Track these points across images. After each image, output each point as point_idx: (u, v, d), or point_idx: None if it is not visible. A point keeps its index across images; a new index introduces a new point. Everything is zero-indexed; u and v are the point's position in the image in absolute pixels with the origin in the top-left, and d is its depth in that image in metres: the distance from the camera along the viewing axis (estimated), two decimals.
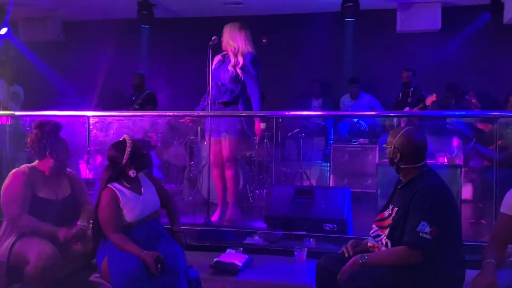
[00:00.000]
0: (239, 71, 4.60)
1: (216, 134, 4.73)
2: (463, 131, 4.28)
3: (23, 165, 3.31)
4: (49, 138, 3.27)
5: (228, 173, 4.78)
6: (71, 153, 3.40)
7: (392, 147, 2.74)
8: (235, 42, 4.66)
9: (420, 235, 2.49)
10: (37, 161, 3.33)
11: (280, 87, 7.94)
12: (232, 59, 4.63)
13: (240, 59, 4.61)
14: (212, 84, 4.65)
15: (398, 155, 2.72)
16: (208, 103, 4.68)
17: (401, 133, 2.74)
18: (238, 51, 4.65)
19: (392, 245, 2.64)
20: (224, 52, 4.77)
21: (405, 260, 2.54)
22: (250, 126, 4.76)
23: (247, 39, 4.69)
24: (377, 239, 2.76)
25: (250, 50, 4.67)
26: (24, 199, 3.15)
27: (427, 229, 2.48)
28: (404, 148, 2.71)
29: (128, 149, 3.13)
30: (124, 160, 3.12)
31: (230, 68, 4.63)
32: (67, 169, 3.48)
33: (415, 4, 7.43)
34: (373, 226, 2.83)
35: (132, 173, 3.16)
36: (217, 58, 4.78)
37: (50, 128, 3.30)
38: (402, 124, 5.63)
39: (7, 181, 3.21)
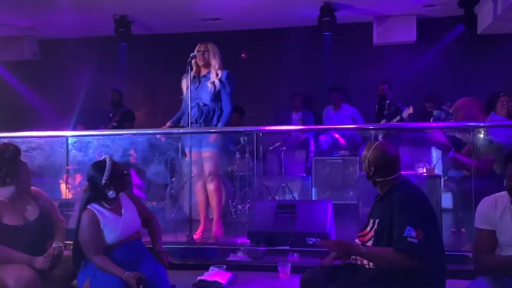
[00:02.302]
0: (218, 85, 4.71)
1: (196, 148, 4.78)
2: (441, 141, 4.33)
3: None
4: (9, 165, 3.13)
5: (211, 187, 4.80)
6: (32, 174, 3.28)
7: (367, 161, 2.78)
8: (218, 59, 4.81)
9: (408, 240, 2.51)
10: None
11: (260, 101, 7.98)
12: (213, 75, 4.75)
13: (220, 74, 4.77)
14: (193, 105, 4.71)
15: (372, 168, 2.76)
16: (190, 121, 4.71)
17: (373, 147, 2.79)
18: (218, 68, 4.79)
19: None
20: (193, 72, 4.83)
21: (399, 265, 2.54)
22: (231, 141, 4.83)
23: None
24: None
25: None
26: None
27: (413, 233, 2.51)
28: (377, 162, 2.75)
29: (108, 170, 3.08)
30: (104, 181, 3.08)
31: (209, 84, 4.71)
32: (32, 188, 3.32)
33: (390, 17, 7.55)
34: (356, 240, 2.84)
35: (111, 194, 3.10)
36: (187, 78, 4.82)
37: (9, 155, 3.15)
38: (380, 136, 5.69)
39: None
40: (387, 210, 2.65)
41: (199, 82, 4.83)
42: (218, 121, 4.77)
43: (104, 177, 3.07)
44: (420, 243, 2.51)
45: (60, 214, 3.42)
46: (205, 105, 4.75)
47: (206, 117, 4.74)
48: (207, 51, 4.81)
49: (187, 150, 4.87)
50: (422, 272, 2.55)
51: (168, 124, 4.93)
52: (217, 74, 4.77)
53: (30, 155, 3.62)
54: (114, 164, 3.14)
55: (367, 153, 2.79)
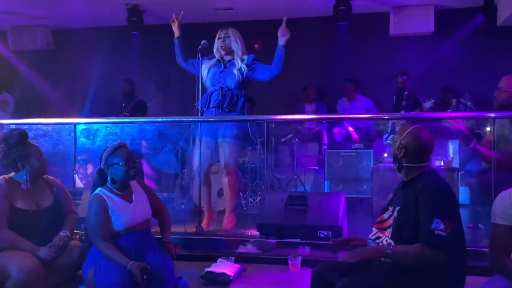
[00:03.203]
0: (246, 71, 4.62)
1: (210, 138, 4.66)
2: (463, 130, 4.18)
3: (0, 177, 3.19)
4: (17, 150, 3.16)
5: (228, 179, 4.70)
6: (46, 160, 3.28)
7: (398, 143, 2.67)
8: (240, 44, 4.70)
9: (436, 232, 2.39)
10: (13, 172, 3.23)
11: (273, 92, 7.85)
12: (238, 62, 4.65)
13: (245, 58, 4.67)
14: (215, 88, 4.62)
15: (403, 151, 2.64)
16: (204, 106, 4.64)
17: (408, 130, 2.68)
18: (241, 53, 4.70)
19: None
20: (216, 57, 4.70)
21: (426, 260, 2.42)
22: (255, 131, 4.76)
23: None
24: (377, 241, 2.66)
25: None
26: (3, 212, 3.03)
27: (441, 226, 2.39)
28: (410, 146, 2.64)
29: (108, 151, 3.10)
30: (103, 164, 3.11)
31: (235, 71, 4.62)
32: (49, 177, 3.36)
33: (408, 7, 7.39)
34: (373, 228, 2.74)
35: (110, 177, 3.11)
36: (210, 62, 4.70)
37: (15, 140, 3.17)
38: (397, 128, 5.55)
39: None
40: (411, 198, 2.53)
41: (225, 66, 4.70)
42: (242, 109, 4.65)
43: (103, 159, 3.10)
44: (448, 236, 2.39)
45: (74, 206, 3.44)
46: (229, 89, 4.63)
47: (230, 101, 4.60)
48: (228, 37, 4.69)
49: (197, 139, 4.75)
50: (444, 267, 2.44)
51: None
52: (242, 60, 4.65)
53: (37, 142, 3.58)
54: (123, 149, 3.15)
55: (399, 136, 2.68)
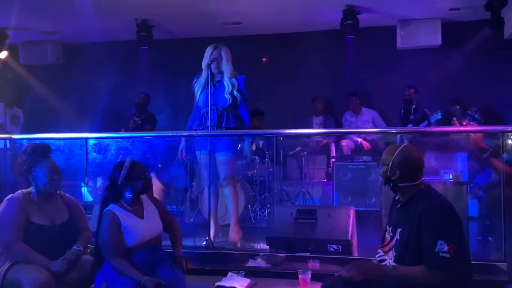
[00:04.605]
0: (236, 93, 4.67)
1: (205, 152, 4.74)
2: (478, 140, 4.17)
3: (18, 191, 3.22)
4: (29, 162, 3.18)
5: (227, 191, 4.74)
6: (57, 179, 3.22)
7: (390, 164, 2.64)
8: (230, 65, 4.73)
9: (440, 255, 2.40)
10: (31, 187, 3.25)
11: (281, 105, 7.91)
12: (229, 83, 4.69)
13: (235, 82, 4.70)
14: (210, 108, 4.66)
15: (397, 172, 2.62)
16: (200, 126, 4.70)
17: (399, 149, 2.65)
18: (231, 74, 4.72)
19: None
20: (204, 73, 4.74)
21: (431, 282, 2.42)
22: (248, 146, 4.82)
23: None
24: (383, 264, 2.66)
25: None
26: (18, 225, 3.06)
27: (445, 248, 2.40)
28: (403, 165, 2.61)
29: (125, 169, 3.09)
30: (120, 180, 3.08)
31: (226, 95, 4.68)
32: (66, 194, 3.39)
33: (414, 21, 7.41)
34: (379, 250, 2.74)
35: (128, 193, 3.11)
36: (200, 81, 4.77)
37: (30, 151, 3.20)
38: (405, 142, 5.56)
39: (1, 207, 3.14)
40: (413, 219, 2.53)
41: (214, 87, 4.76)
42: (239, 126, 4.72)
43: (120, 176, 3.08)
44: (452, 257, 2.39)
45: (88, 225, 3.44)
46: (224, 109, 4.70)
47: (227, 121, 4.67)
48: (220, 58, 4.71)
49: (197, 153, 4.84)
50: (449, 285, 2.44)
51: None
52: (232, 83, 4.69)
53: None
54: (133, 164, 3.15)
55: (390, 156, 2.64)
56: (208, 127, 4.66)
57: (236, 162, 4.95)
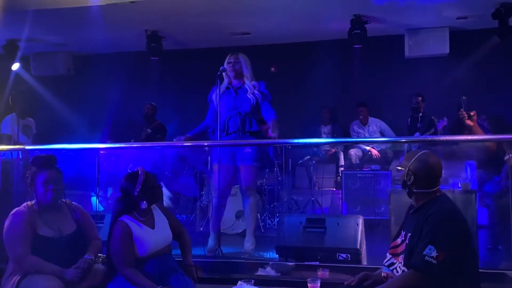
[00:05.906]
0: (259, 96, 4.74)
1: (228, 161, 4.72)
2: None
3: (24, 203, 3.19)
4: (33, 174, 3.16)
5: (249, 202, 4.77)
6: (55, 189, 3.17)
7: (406, 169, 2.68)
8: (249, 70, 4.81)
9: (426, 258, 2.42)
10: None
11: (289, 114, 7.90)
12: (250, 86, 4.76)
13: (257, 86, 4.79)
14: (232, 114, 4.69)
15: (412, 178, 2.66)
16: (223, 132, 4.71)
17: (416, 156, 2.70)
18: (251, 78, 4.81)
19: None
20: (225, 81, 4.80)
21: (410, 282, 2.46)
22: (274, 153, 4.85)
23: None
24: (391, 268, 2.68)
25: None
26: (26, 239, 3.03)
27: (433, 254, 2.42)
28: (419, 172, 2.65)
29: (140, 180, 3.10)
30: (136, 191, 3.09)
31: (249, 96, 4.72)
32: (73, 203, 3.37)
33: (422, 30, 7.43)
34: (387, 254, 2.76)
35: (143, 204, 3.11)
36: (220, 88, 4.80)
37: (31, 160, 3.20)
38: (414, 148, 5.56)
39: (7, 221, 3.10)
40: (420, 224, 2.56)
41: (236, 93, 4.81)
42: (262, 133, 4.79)
43: (136, 188, 3.08)
44: (438, 265, 2.40)
45: (97, 233, 3.43)
46: (246, 114, 4.74)
47: (250, 126, 4.73)
48: (238, 62, 4.80)
49: (215, 163, 4.81)
50: None
51: (188, 135, 4.87)
52: (254, 86, 4.77)
53: (59, 167, 3.64)
54: (146, 175, 3.16)
55: (407, 162, 2.70)
56: (231, 133, 4.70)
57: (260, 172, 4.95)
